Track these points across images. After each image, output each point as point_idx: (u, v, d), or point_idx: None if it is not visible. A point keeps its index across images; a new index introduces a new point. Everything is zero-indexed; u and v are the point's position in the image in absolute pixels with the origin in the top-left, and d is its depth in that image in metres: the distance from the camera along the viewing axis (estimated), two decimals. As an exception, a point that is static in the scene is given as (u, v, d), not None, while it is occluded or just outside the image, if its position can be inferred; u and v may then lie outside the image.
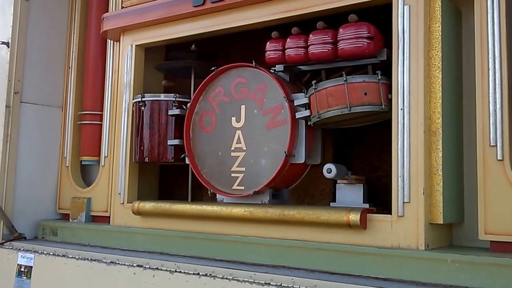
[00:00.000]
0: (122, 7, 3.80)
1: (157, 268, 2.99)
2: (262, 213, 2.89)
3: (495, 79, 2.42)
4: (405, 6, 2.61)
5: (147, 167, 3.78)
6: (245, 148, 3.10)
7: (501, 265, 2.21)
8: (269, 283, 2.56)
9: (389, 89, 2.67)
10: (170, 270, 2.93)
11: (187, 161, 3.30)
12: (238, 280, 2.68)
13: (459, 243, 2.69)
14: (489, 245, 2.41)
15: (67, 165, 4.15)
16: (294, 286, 2.49)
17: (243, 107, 3.12)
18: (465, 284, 2.26)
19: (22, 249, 3.72)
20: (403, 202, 2.51)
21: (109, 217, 3.70)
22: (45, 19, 4.18)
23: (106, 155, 3.86)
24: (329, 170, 2.72)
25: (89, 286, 3.30)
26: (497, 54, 2.43)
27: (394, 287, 2.30)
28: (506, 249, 2.34)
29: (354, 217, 2.56)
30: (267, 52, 3.03)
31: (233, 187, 3.12)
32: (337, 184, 2.94)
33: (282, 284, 2.53)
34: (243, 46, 3.54)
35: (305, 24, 2.94)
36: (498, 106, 2.40)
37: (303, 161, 2.99)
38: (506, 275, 2.19)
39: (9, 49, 3.98)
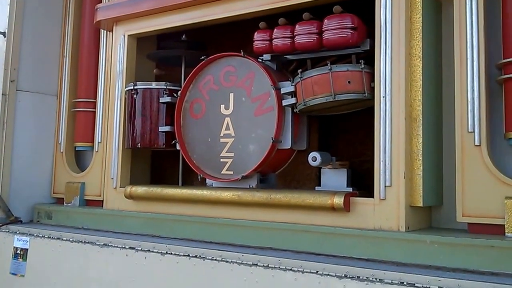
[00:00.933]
0: (115, -2, 3.76)
1: (148, 250, 2.98)
2: (250, 197, 2.89)
3: (473, 68, 2.43)
4: (387, -2, 2.60)
5: (139, 153, 3.76)
6: (233, 135, 3.09)
7: (478, 246, 2.22)
8: (257, 264, 2.57)
9: (372, 77, 2.67)
10: (161, 252, 2.93)
11: (177, 147, 3.29)
12: (227, 262, 2.67)
13: (438, 225, 2.70)
14: (467, 227, 2.43)
15: (61, 151, 4.12)
16: (281, 267, 2.49)
17: (231, 95, 3.11)
18: (444, 264, 2.27)
19: (18, 232, 3.70)
20: (385, 186, 2.51)
21: (102, 201, 3.68)
22: (40, 9, 4.14)
23: (99, 141, 3.83)
24: (314, 158, 2.73)
25: (83, 268, 3.28)
26: (475, 43, 2.44)
27: (376, 267, 2.29)
28: (483, 230, 2.36)
29: (338, 200, 2.57)
30: (255, 41, 3.01)
31: (222, 172, 3.12)
32: (322, 169, 2.95)
33: (269, 265, 2.53)
34: (232, 36, 3.52)
35: (292, 15, 2.93)
36: (476, 94, 2.42)
37: (289, 147, 2.99)
38: (482, 255, 2.20)
39: (5, 38, 3.93)
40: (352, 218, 2.59)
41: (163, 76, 3.71)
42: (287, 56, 3.07)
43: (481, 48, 2.43)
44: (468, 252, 2.24)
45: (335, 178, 2.89)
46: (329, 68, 2.72)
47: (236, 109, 3.09)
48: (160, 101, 3.42)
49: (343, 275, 2.31)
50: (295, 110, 2.92)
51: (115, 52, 3.72)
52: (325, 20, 2.75)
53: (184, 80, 3.36)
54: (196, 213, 3.12)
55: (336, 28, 2.71)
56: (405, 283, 2.16)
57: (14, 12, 3.94)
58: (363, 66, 2.69)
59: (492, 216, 2.33)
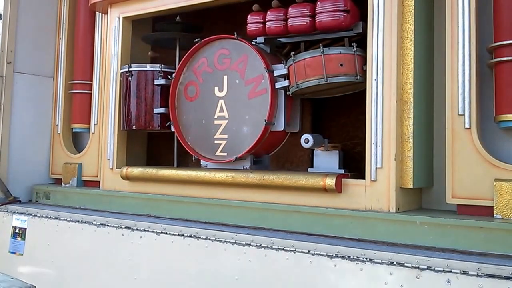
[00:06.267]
0: (110, -20, 3.68)
1: (144, 230, 2.97)
2: (244, 178, 2.86)
3: (464, 51, 2.39)
4: (380, -19, 2.54)
5: (135, 134, 3.72)
6: (227, 117, 3.05)
7: (466, 226, 2.21)
8: (250, 244, 2.56)
9: (364, 60, 2.63)
10: (156, 232, 2.92)
11: (172, 129, 3.25)
12: (220, 241, 2.67)
13: (428, 206, 2.67)
14: (456, 208, 2.41)
15: (59, 132, 4.08)
16: (273, 247, 2.49)
17: (225, 77, 3.06)
18: (433, 245, 2.26)
19: (16, 211, 3.68)
20: (376, 168, 2.49)
21: (99, 181, 3.65)
22: (36, -8, 4.08)
23: (95, 123, 3.79)
24: (307, 140, 2.69)
25: (79, 247, 3.27)
26: (466, 27, 2.39)
27: (367, 247, 2.28)
28: (472, 212, 2.34)
29: (330, 181, 2.54)
30: (248, 24, 2.95)
31: (216, 154, 3.08)
32: (314, 151, 2.92)
33: (262, 245, 2.52)
34: (225, 18, 3.47)
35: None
36: (466, 77, 2.37)
37: (282, 129, 2.96)
38: (470, 236, 2.19)
39: (1, 20, 3.87)
40: (343, 199, 2.56)
41: (158, 59, 3.65)
42: (281, 39, 3.01)
43: (472, 31, 2.38)
44: (457, 233, 2.22)
45: (327, 160, 2.86)
46: (322, 51, 2.67)
47: (230, 92, 3.04)
48: (155, 83, 3.37)
49: (334, 255, 2.31)
50: (288, 93, 2.87)
51: (110, 35, 3.65)
52: (318, 3, 2.70)
53: (179, 62, 3.30)
54: (191, 193, 3.09)
55: (329, 10, 2.66)
56: (395, 263, 2.16)
57: (10, -6, 3.88)
58: (355, 49, 2.65)
59: (481, 198, 2.30)
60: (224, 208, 2.92)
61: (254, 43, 2.99)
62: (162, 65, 3.39)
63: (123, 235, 3.05)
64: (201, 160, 3.14)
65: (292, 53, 2.80)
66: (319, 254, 2.35)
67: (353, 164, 2.90)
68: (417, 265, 2.10)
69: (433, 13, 2.71)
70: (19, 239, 3.60)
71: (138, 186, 3.36)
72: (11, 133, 3.90)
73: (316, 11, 2.70)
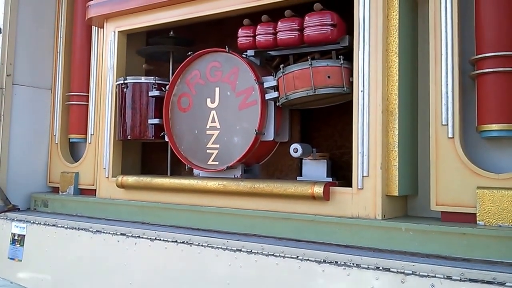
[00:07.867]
0: (106, -4, 3.64)
1: (138, 237, 2.92)
2: (235, 186, 2.81)
3: (447, 64, 2.36)
4: (365, -4, 2.52)
5: (130, 144, 3.66)
6: (219, 127, 3.01)
7: (449, 233, 2.17)
8: (241, 250, 2.51)
9: (350, 72, 2.59)
10: (150, 238, 2.87)
11: (166, 139, 3.20)
12: (212, 247, 2.61)
13: (413, 213, 2.63)
14: (440, 215, 2.36)
15: (56, 142, 4.02)
16: (263, 253, 2.44)
17: (217, 89, 3.02)
18: (418, 251, 2.21)
19: (15, 219, 3.62)
20: (363, 176, 2.44)
21: (95, 190, 3.59)
22: (34, 6, 4.01)
23: (92, 133, 3.73)
24: (296, 149, 2.65)
25: (76, 253, 3.21)
26: (449, 40, 2.37)
27: (353, 253, 2.24)
28: (455, 218, 2.29)
29: (318, 189, 2.50)
30: (239, 38, 2.92)
31: (208, 163, 3.04)
32: (303, 160, 2.87)
33: (253, 251, 2.48)
34: (217, 32, 3.43)
35: (274, 13, 2.84)
36: (449, 88, 2.34)
37: (272, 139, 2.92)
38: (454, 242, 2.15)
39: (1, 34, 3.82)
40: (331, 206, 2.52)
41: (152, 71, 3.61)
42: (270, 52, 2.98)
43: (455, 44, 2.36)
44: (441, 239, 2.17)
45: (315, 168, 2.81)
46: (310, 63, 2.64)
47: (222, 103, 3.00)
48: (149, 95, 3.33)
49: (322, 260, 2.26)
50: (277, 104, 2.83)
51: (106, 48, 3.61)
52: (306, 17, 2.67)
53: (172, 74, 3.27)
54: (184, 201, 3.04)
55: (316, 25, 2.63)
56: (381, 268, 2.11)
57: (9, 9, 3.83)
58: (342, 61, 2.62)
59: (465, 205, 2.26)
60: (216, 216, 2.86)
61: (244, 56, 2.95)
62: (156, 78, 3.36)
63: (118, 241, 3.00)
64: (194, 169, 3.09)
65: (281, 65, 2.77)
66: (308, 259, 2.30)
67: (341, 173, 2.87)
68: (402, 270, 2.06)
69: (417, 26, 2.69)
70: (18, 245, 3.53)
71: (133, 194, 3.31)
72: (11, 143, 3.84)
73: (304, 25, 2.67)
